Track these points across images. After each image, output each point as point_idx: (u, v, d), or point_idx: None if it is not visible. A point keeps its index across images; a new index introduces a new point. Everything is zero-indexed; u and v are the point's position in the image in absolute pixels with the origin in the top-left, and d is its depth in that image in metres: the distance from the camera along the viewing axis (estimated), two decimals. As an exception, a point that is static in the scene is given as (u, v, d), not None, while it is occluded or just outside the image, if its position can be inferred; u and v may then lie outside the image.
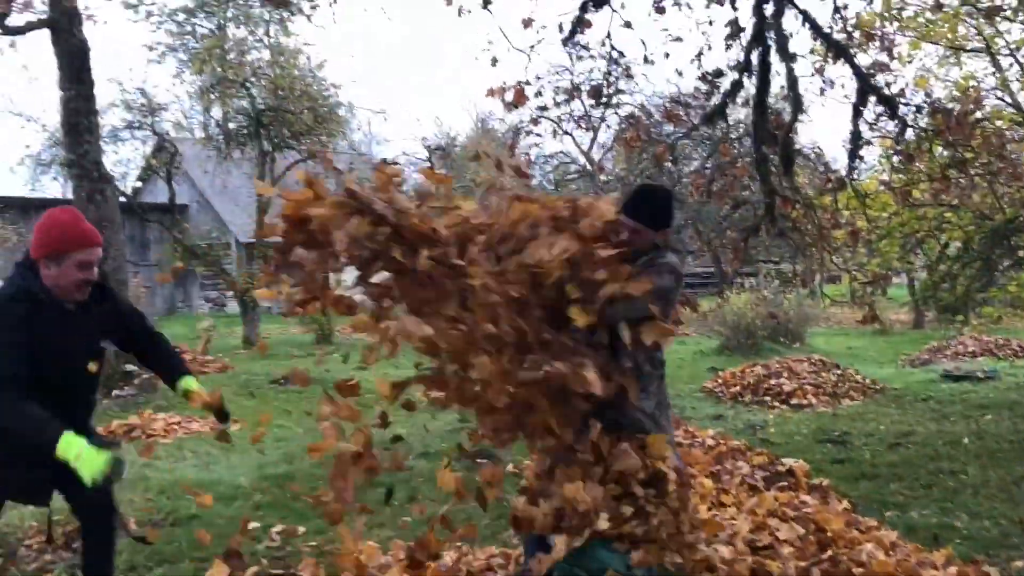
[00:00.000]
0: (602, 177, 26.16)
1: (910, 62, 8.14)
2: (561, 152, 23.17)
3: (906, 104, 5.42)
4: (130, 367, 9.95)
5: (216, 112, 18.53)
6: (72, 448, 2.82)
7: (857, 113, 5.31)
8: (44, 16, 10.22)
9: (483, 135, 38.06)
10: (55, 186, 27.98)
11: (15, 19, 10.16)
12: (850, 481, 6.00)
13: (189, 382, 3.60)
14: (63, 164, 17.28)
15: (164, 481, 6.22)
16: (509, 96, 5.51)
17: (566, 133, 18.62)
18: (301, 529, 5.01)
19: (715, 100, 5.98)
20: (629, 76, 6.08)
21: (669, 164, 6.96)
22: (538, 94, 5.36)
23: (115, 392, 9.71)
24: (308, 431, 8.36)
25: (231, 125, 19.27)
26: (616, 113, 6.28)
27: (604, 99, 5.63)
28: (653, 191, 3.52)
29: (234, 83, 17.38)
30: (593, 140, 24.35)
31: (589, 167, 26.10)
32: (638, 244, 3.14)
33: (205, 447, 7.63)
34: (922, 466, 6.44)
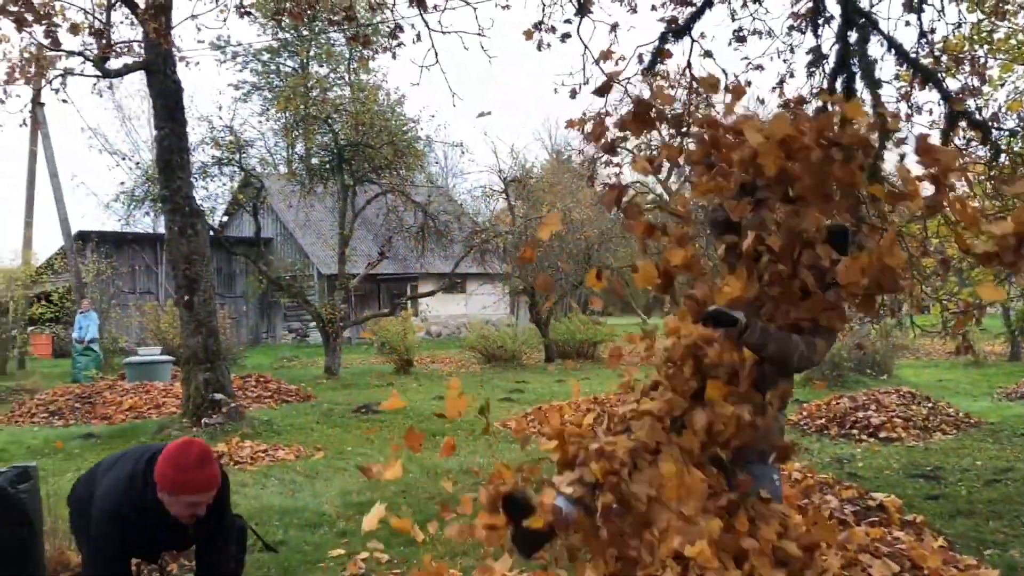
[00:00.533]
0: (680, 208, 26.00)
1: (1002, 85, 7.88)
2: (638, 182, 23.09)
3: (999, 129, 5.26)
4: (218, 396, 10.24)
5: (300, 148, 19.02)
6: None
7: (946, 138, 5.18)
8: (140, 59, 10.71)
9: (559, 166, 38.18)
10: (146, 221, 29.18)
11: (114, 62, 10.65)
12: (945, 518, 5.79)
13: None
14: (155, 200, 18.06)
15: (251, 507, 6.36)
16: (588, 127, 5.53)
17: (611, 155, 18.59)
18: (385, 557, 5.06)
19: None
20: (710, 105, 6.07)
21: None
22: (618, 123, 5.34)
23: (204, 420, 9.98)
24: (388, 459, 8.46)
25: (314, 160, 19.82)
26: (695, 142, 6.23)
27: (685, 129, 5.60)
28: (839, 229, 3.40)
29: (317, 119, 17.89)
30: (671, 169, 24.19)
31: (666, 196, 25.94)
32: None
33: (291, 475, 7.78)
34: (1023, 504, 6.17)
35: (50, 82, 10.64)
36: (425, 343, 25.35)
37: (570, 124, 5.72)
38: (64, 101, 18.79)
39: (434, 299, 25.10)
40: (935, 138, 5.48)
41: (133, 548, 3.34)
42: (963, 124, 5.28)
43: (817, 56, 6.09)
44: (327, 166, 19.13)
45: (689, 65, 7.29)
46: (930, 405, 10.25)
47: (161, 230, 28.31)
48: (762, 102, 9.34)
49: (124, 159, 20.60)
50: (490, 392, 14.95)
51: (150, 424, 10.68)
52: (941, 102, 5.27)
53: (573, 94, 7.92)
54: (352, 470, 7.90)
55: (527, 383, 16.22)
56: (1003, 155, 5.46)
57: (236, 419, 10.18)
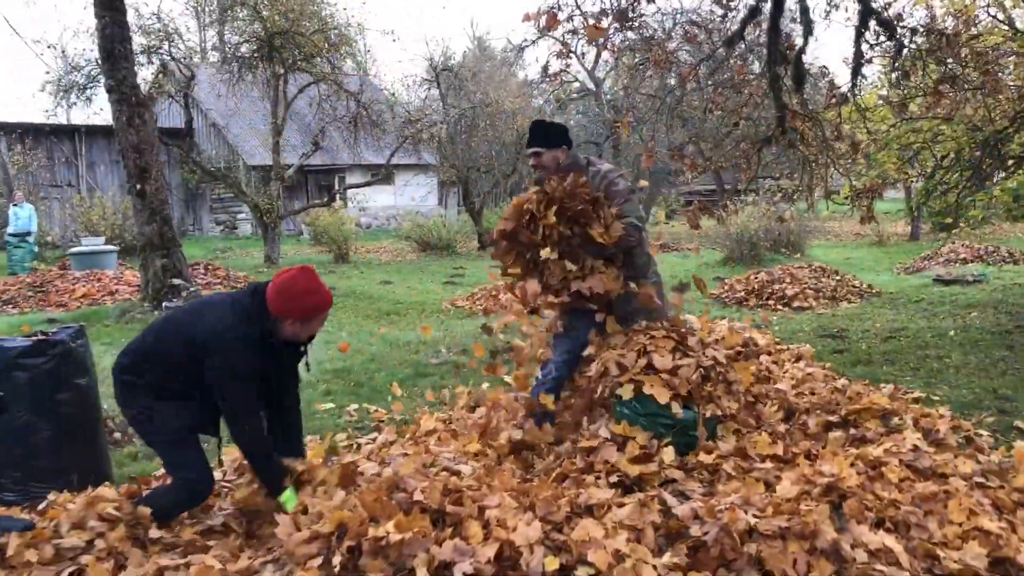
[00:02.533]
0: (606, 97, 26.46)
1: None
2: (563, 71, 23.39)
3: (903, 27, 5.97)
4: (177, 280, 10.65)
5: (229, 36, 18.77)
6: (289, 502, 3.26)
7: (859, 34, 5.86)
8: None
9: (481, 55, 37.98)
10: (74, 113, 28.25)
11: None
12: (848, 366, 6.75)
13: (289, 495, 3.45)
14: (81, 89, 17.75)
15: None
16: (542, 21, 6.03)
17: (570, 52, 18.89)
18: (373, 407, 5.78)
19: (730, 24, 6.50)
20: (651, 0, 6.56)
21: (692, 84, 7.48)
22: (569, 19, 5.82)
23: (164, 304, 10.41)
24: (351, 334, 9.14)
25: (243, 48, 19.55)
26: (641, 36, 6.66)
27: (628, 22, 6.14)
28: (540, 121, 4.65)
29: (245, 5, 17.64)
30: (597, 58, 24.55)
31: (592, 87, 26.35)
32: (546, 163, 4.33)
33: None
34: (912, 353, 7.20)
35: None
36: (358, 234, 25.72)
37: (526, 18, 6.20)
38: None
39: (364, 190, 25.32)
40: (850, 32, 6.19)
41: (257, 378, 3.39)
42: (873, 22, 5.98)
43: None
44: (256, 54, 18.92)
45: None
46: (838, 278, 11.32)
47: (78, 120, 27.59)
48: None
49: (50, 47, 19.92)
50: (431, 277, 15.66)
51: (109, 309, 11.03)
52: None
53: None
54: (319, 343, 8.51)
55: (464, 269, 16.91)
56: (905, 50, 6.20)
57: (196, 303, 10.61)
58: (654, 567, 2.66)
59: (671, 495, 3.11)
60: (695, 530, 2.83)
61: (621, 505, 3.01)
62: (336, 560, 2.62)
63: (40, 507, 3.55)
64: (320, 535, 2.74)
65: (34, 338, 3.94)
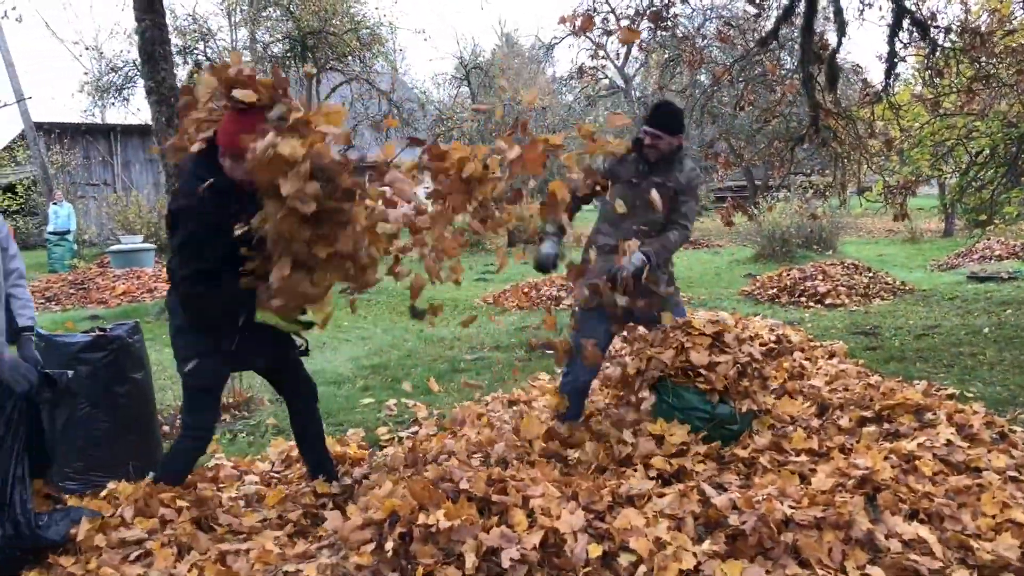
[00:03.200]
0: (635, 93, 26.47)
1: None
2: (594, 68, 23.43)
3: (936, 26, 6.00)
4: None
5: (262, 36, 19.06)
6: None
7: (893, 34, 5.90)
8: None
9: (509, 52, 38.08)
10: (111, 113, 28.72)
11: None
12: (881, 363, 6.78)
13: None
14: (119, 89, 18.09)
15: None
16: (578, 23, 6.12)
17: (605, 55, 18.98)
18: (412, 402, 5.92)
19: (763, 22, 6.54)
20: (685, 1, 6.63)
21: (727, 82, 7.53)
22: (604, 20, 5.91)
23: (203, 301, 10.62)
24: (385, 331, 9.29)
25: (276, 48, 19.85)
26: (673, 34, 6.71)
27: (663, 23, 6.22)
28: (669, 104, 4.50)
29: (279, 5, 17.93)
30: (627, 55, 24.58)
31: (622, 84, 26.37)
32: (662, 148, 4.24)
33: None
34: (945, 351, 7.21)
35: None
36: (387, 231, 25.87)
37: (562, 20, 6.29)
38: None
39: (396, 187, 25.51)
40: (883, 31, 6.25)
41: (216, 229, 3.23)
42: (907, 21, 6.01)
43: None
44: (289, 54, 19.19)
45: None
46: (870, 275, 11.30)
47: (112, 120, 28.04)
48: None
49: (88, 49, 20.32)
50: (463, 274, 15.76)
51: (149, 306, 11.28)
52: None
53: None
54: (355, 340, 8.70)
55: (495, 265, 17.02)
56: (939, 50, 6.23)
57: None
58: (694, 554, 2.76)
59: (709, 486, 3.20)
60: (733, 519, 2.92)
61: (661, 495, 3.11)
62: (388, 545, 2.74)
63: (102, 494, 3.71)
64: (373, 522, 2.87)
65: (93, 334, 4.10)
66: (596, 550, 2.79)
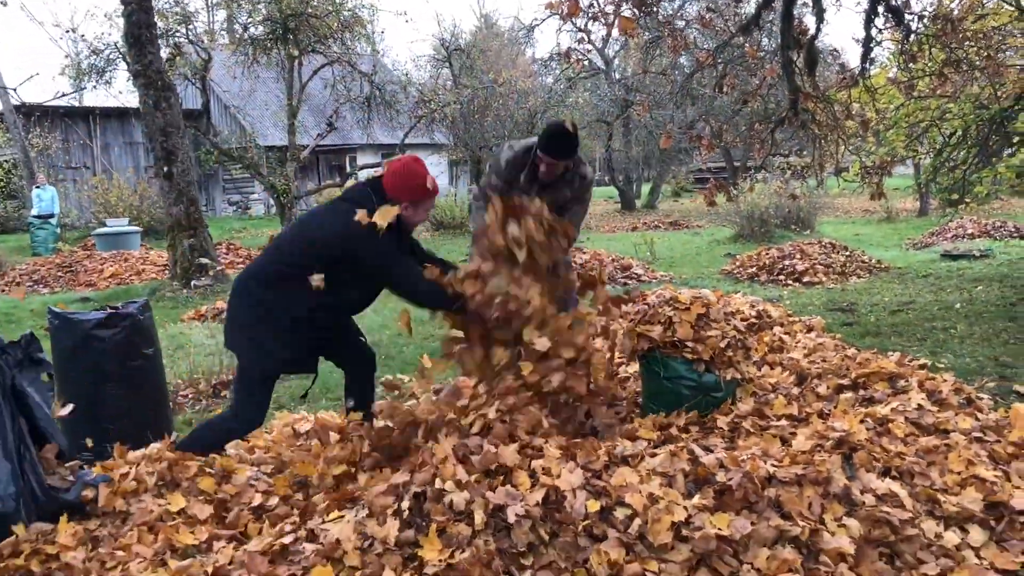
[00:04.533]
0: (616, 75, 26.63)
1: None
2: (575, 49, 23.59)
3: (910, 12, 6.24)
4: (204, 260, 11.00)
5: (243, 18, 19.01)
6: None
7: (869, 19, 6.13)
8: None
9: (489, 33, 38.12)
10: (94, 95, 28.55)
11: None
12: (857, 338, 7.06)
13: None
14: (100, 72, 18.05)
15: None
16: (565, 8, 6.29)
17: (589, 39, 19.17)
18: (407, 377, 6.11)
19: (745, 7, 6.76)
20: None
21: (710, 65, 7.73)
22: (591, 4, 6.06)
23: (193, 282, 10.76)
24: (376, 311, 9.44)
25: (258, 30, 19.79)
26: (655, 17, 6.88)
27: (647, 7, 6.39)
28: (560, 130, 4.65)
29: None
30: (607, 37, 24.71)
31: (603, 65, 26.52)
32: (556, 172, 4.65)
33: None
34: (919, 326, 7.50)
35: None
36: (370, 212, 25.99)
37: (549, 6, 6.44)
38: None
39: (378, 170, 25.63)
40: (860, 16, 6.47)
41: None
42: (882, 7, 6.24)
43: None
44: (270, 36, 19.15)
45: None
46: (847, 254, 11.60)
47: (91, 103, 27.86)
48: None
49: (68, 31, 20.18)
50: (446, 255, 15.92)
51: (139, 288, 11.40)
52: (865, -15, 6.22)
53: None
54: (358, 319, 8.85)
55: (479, 246, 17.20)
56: (912, 35, 6.47)
57: (223, 281, 10.99)
58: (684, 508, 2.98)
59: (697, 447, 3.43)
60: (721, 476, 3.15)
61: (653, 455, 3.34)
62: (405, 505, 2.96)
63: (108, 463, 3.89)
64: (393, 485, 3.09)
65: (106, 311, 4.27)
66: (594, 505, 3.01)
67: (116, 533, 3.19)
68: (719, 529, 2.90)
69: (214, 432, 3.80)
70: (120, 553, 3.01)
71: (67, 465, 3.50)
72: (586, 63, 27.69)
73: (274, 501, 3.34)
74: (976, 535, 3.06)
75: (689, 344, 4.00)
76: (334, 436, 3.91)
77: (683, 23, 8.67)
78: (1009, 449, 3.62)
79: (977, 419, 3.93)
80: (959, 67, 6.83)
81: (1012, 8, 8.53)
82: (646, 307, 4.30)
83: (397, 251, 3.68)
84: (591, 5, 6.26)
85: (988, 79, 7.82)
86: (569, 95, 25.27)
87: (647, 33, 10.00)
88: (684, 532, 2.91)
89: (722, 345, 4.06)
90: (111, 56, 18.05)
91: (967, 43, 7.00)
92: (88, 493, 3.34)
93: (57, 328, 4.17)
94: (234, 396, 3.85)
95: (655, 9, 6.55)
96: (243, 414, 3.76)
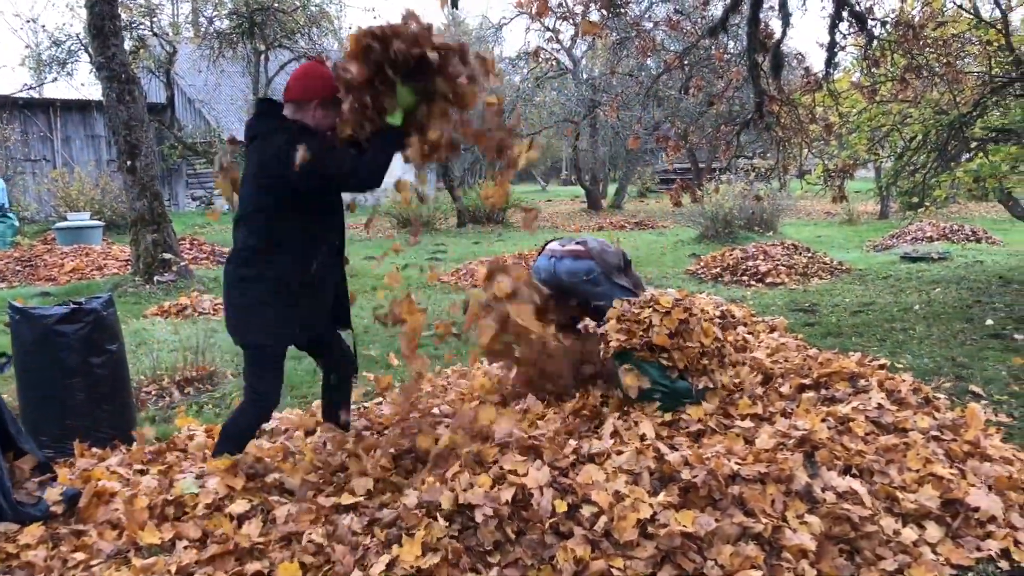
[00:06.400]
0: (583, 75, 26.72)
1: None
2: (543, 48, 23.63)
3: (873, 19, 6.35)
4: (167, 255, 10.87)
5: (209, 11, 18.83)
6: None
7: (833, 24, 6.23)
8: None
9: (455, 29, 38.03)
10: (55, 87, 27.97)
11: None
12: (819, 338, 7.16)
13: None
14: (61, 64, 17.76)
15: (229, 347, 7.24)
16: (534, 8, 6.32)
17: (558, 39, 19.22)
18: (371, 375, 6.10)
19: (712, 10, 6.84)
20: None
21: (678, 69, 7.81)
22: (561, 4, 6.08)
23: (156, 278, 10.64)
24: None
25: (224, 24, 19.63)
26: (623, 18, 6.92)
27: (615, 8, 6.43)
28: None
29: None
30: (575, 37, 24.77)
31: (570, 65, 26.59)
32: None
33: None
34: (879, 326, 7.62)
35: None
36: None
37: (519, 4, 6.47)
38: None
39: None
40: (825, 21, 6.57)
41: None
42: (846, 13, 6.35)
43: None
44: (237, 31, 18.99)
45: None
46: (809, 255, 11.75)
47: (52, 94, 27.39)
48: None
49: (29, 22, 19.82)
50: (413, 253, 15.94)
51: (101, 283, 11.23)
52: (830, -8, 6.33)
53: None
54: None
55: (445, 245, 17.20)
56: (875, 41, 6.59)
57: (186, 276, 10.88)
58: (650, 505, 3.02)
59: (663, 445, 3.47)
60: (686, 474, 3.19)
61: (619, 453, 3.38)
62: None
63: (72, 464, 3.84)
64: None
65: (69, 306, 4.22)
66: (562, 506, 3.04)
67: (78, 531, 3.16)
68: (684, 526, 2.94)
69: (237, 426, 3.66)
70: (80, 555, 2.98)
71: (36, 480, 3.44)
72: (554, 63, 27.76)
73: (242, 503, 3.32)
74: (933, 531, 3.14)
75: (668, 350, 4.04)
76: (307, 443, 3.92)
77: (651, 24, 8.74)
78: (965, 448, 3.71)
79: (935, 418, 4.03)
80: (920, 73, 6.98)
81: (970, 16, 8.71)
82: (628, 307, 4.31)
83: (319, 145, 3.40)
84: (560, 5, 6.28)
85: (948, 85, 7.99)
86: (537, 94, 25.30)
87: (615, 34, 10.07)
88: (649, 529, 2.95)
89: (697, 353, 4.11)
90: (73, 47, 17.76)
91: (928, 50, 7.17)
92: (56, 508, 3.28)
93: (18, 323, 4.10)
94: (245, 382, 3.70)
95: (623, 11, 6.60)
96: (257, 395, 3.61)
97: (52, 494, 3.31)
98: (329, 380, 4.11)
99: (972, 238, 14.42)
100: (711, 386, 4.13)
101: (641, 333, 4.07)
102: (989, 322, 7.51)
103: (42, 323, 4.08)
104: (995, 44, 8.47)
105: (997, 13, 8.71)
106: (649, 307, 4.18)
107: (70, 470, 3.80)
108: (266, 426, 4.47)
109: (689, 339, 4.10)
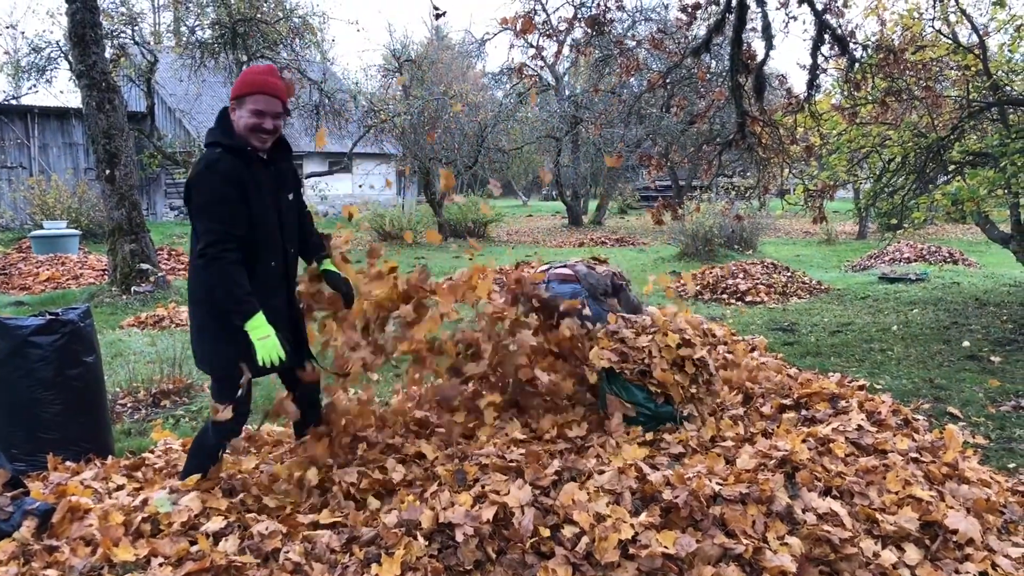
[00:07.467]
0: (566, 92, 26.86)
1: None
2: (526, 64, 23.72)
3: (855, 42, 6.43)
4: (145, 265, 10.77)
5: (191, 21, 18.76)
6: (260, 330, 3.19)
7: (815, 47, 6.30)
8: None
9: (439, 45, 38.12)
10: (32, 94, 27.80)
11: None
12: (797, 358, 7.20)
13: (329, 263, 3.94)
14: (40, 71, 17.61)
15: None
16: (519, 25, 6.33)
17: (542, 56, 19.24)
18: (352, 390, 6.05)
19: (696, 30, 6.88)
20: (621, 8, 6.88)
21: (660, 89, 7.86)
22: (546, 22, 6.09)
23: (133, 288, 10.53)
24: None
25: (206, 34, 19.55)
26: (607, 36, 6.96)
27: (599, 27, 6.46)
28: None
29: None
30: (558, 54, 24.90)
31: (553, 81, 26.72)
32: None
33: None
34: (857, 346, 7.68)
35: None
36: (319, 223, 25.81)
37: (503, 21, 6.48)
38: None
39: (325, 178, 25.43)
40: (807, 44, 6.63)
41: (238, 203, 3.24)
42: (828, 36, 6.42)
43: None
44: (219, 41, 18.92)
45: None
46: (789, 274, 11.84)
47: (29, 101, 27.14)
48: (666, 8, 10.19)
49: (8, 28, 19.65)
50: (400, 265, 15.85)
51: (77, 292, 11.11)
52: (812, 15, 6.39)
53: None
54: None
55: (426, 259, 17.15)
56: (856, 64, 6.66)
57: (164, 287, 10.78)
58: (631, 526, 3.01)
59: (645, 465, 3.46)
60: (667, 495, 3.18)
61: (601, 472, 3.36)
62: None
63: (46, 478, 3.77)
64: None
65: (45, 317, 4.16)
66: (544, 531, 3.01)
67: (51, 547, 3.10)
68: (665, 547, 2.92)
69: (201, 447, 3.57)
70: (52, 572, 2.92)
71: (8, 495, 3.37)
72: (537, 79, 27.89)
73: (218, 520, 3.26)
74: (912, 554, 3.14)
75: (663, 384, 4.04)
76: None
77: (634, 43, 8.80)
78: (943, 470, 3.72)
79: (914, 439, 4.04)
80: (900, 96, 7.07)
81: (949, 41, 8.83)
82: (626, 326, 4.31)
83: (223, 195, 3.21)
84: (545, 23, 6.31)
85: (926, 109, 8.08)
86: (519, 109, 25.41)
87: (598, 52, 10.13)
88: (631, 550, 2.93)
89: (687, 382, 4.12)
90: (52, 55, 17.62)
91: (907, 73, 7.26)
92: (29, 523, 3.21)
93: (-7, 334, 4.04)
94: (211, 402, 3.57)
95: (607, 29, 6.64)
96: (217, 417, 3.45)
97: (24, 509, 3.25)
98: (295, 400, 3.79)
99: (949, 260, 14.58)
100: (695, 415, 4.13)
101: (638, 360, 4.07)
102: (966, 344, 7.58)
103: (17, 334, 4.02)
104: (973, 69, 8.59)
105: (975, 39, 8.85)
106: (650, 335, 4.17)
107: (43, 484, 3.74)
108: (242, 442, 4.41)
109: (684, 369, 4.11)
